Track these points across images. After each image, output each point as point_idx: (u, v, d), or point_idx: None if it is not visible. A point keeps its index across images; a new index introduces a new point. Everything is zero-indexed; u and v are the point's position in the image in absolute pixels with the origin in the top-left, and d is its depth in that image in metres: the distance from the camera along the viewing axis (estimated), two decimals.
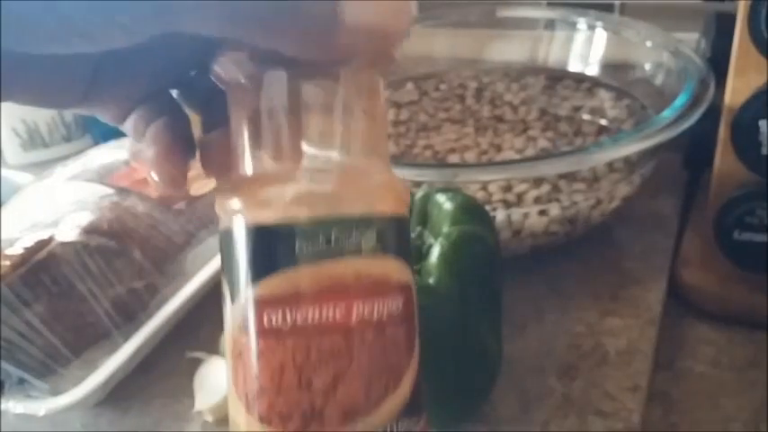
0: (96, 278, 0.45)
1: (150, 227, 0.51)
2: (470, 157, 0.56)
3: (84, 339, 0.45)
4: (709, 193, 0.47)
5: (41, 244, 0.45)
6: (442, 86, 0.67)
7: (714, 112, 0.45)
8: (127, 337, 0.44)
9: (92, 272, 0.45)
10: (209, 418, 0.42)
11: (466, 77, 0.68)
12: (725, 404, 0.41)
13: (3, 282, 0.42)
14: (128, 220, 0.49)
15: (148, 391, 0.44)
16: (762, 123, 0.42)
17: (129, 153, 0.58)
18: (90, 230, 0.47)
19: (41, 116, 0.73)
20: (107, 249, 0.46)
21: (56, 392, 0.41)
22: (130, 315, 0.47)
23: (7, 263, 0.43)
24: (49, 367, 0.43)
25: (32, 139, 0.73)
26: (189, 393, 0.43)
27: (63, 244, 0.45)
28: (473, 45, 0.70)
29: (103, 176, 0.54)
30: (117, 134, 0.64)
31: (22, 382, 0.42)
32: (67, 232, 0.46)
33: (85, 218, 0.48)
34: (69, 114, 0.74)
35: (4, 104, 0.71)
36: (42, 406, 0.40)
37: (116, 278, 0.46)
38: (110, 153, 0.59)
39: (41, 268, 0.44)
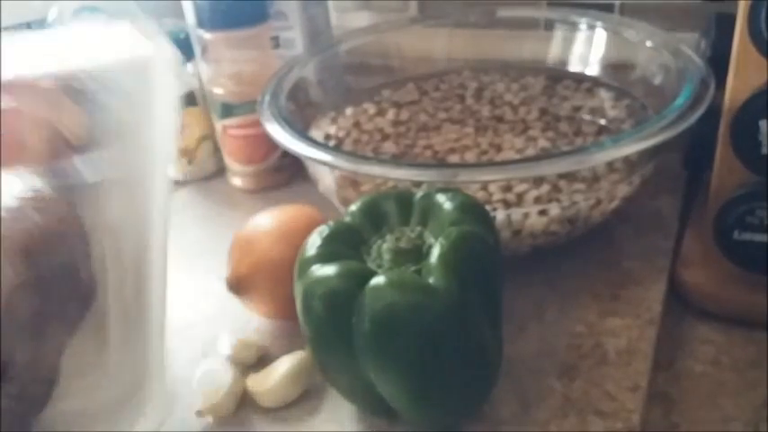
0: None
1: None
2: (470, 157, 0.56)
3: None
4: (709, 193, 0.47)
5: None
6: (442, 86, 0.67)
7: (714, 112, 0.45)
8: None
9: None
10: (210, 418, 0.42)
11: (466, 77, 0.68)
12: (725, 404, 0.41)
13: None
14: None
15: None
16: (762, 123, 0.42)
17: None
18: None
19: None
20: None
21: None
22: None
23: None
24: None
25: None
26: None
27: None
28: (473, 45, 0.70)
29: None
30: None
31: None
32: None
33: None
34: None
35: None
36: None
37: None
38: None
39: None
